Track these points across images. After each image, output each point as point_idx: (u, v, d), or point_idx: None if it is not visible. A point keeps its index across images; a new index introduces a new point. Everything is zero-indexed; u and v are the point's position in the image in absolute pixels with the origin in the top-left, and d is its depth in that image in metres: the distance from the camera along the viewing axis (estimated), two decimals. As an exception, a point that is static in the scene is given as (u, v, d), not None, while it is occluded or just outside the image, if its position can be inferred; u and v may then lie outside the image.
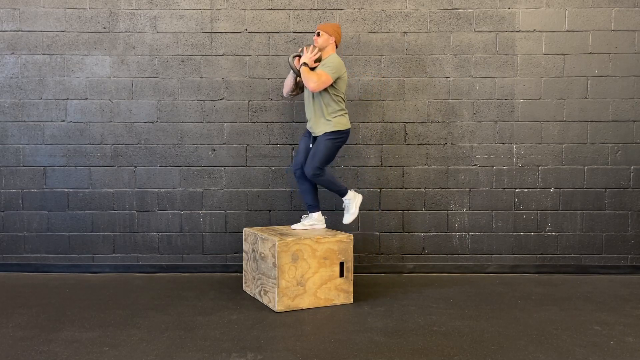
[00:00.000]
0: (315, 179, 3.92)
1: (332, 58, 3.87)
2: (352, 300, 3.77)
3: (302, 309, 3.62)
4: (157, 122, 4.57)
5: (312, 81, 3.75)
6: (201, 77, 4.56)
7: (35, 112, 4.55)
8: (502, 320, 3.38)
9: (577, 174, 4.60)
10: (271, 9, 4.54)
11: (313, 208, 4.05)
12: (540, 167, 4.60)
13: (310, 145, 4.02)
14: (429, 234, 4.62)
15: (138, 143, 4.57)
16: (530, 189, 4.61)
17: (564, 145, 4.60)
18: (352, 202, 4.04)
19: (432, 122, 4.58)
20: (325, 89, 3.85)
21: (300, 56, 3.98)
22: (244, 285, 4.10)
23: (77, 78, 4.55)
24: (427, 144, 4.59)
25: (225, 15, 4.53)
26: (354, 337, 3.06)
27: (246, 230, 4.04)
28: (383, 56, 4.55)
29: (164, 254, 4.61)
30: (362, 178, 4.59)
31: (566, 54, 4.56)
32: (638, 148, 4.60)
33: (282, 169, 4.59)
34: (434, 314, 3.51)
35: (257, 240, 3.85)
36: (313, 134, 4.01)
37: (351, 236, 3.77)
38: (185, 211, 4.60)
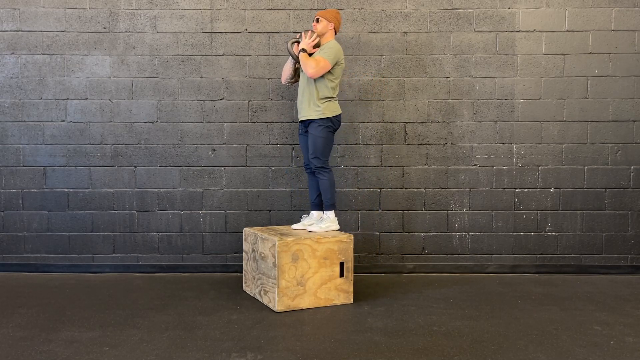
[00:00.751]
0: (320, 173, 3.86)
1: (330, 44, 3.86)
2: (352, 300, 3.77)
3: (302, 309, 3.62)
4: (157, 122, 4.57)
5: (311, 67, 3.73)
6: (201, 77, 4.56)
7: (35, 112, 4.55)
8: (502, 320, 3.38)
9: (577, 174, 4.60)
10: (271, 9, 4.54)
11: (316, 207, 4.03)
12: (540, 167, 4.60)
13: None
14: (429, 234, 4.62)
15: (138, 143, 4.57)
16: (530, 189, 4.61)
17: (564, 145, 4.60)
18: (328, 223, 3.89)
19: (432, 122, 4.58)
20: (321, 75, 3.82)
21: (298, 42, 3.94)
22: (244, 285, 4.10)
23: (77, 78, 4.55)
24: (427, 144, 4.59)
25: (225, 15, 4.53)
26: (354, 337, 3.06)
27: (246, 230, 4.04)
28: (383, 56, 4.55)
29: (164, 254, 4.61)
30: (362, 178, 4.59)
31: (566, 54, 4.56)
32: (638, 148, 4.60)
33: (282, 169, 4.59)
34: (434, 314, 3.51)
35: (257, 240, 3.85)
36: (301, 118, 3.94)
37: (351, 236, 3.77)
38: (185, 211, 4.60)
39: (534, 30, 4.55)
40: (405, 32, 4.55)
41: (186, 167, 4.59)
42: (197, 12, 4.53)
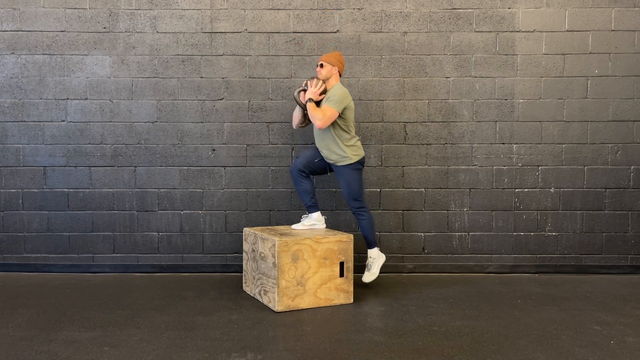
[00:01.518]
0: (360, 214, 3.98)
1: (335, 90, 3.88)
2: (352, 300, 3.77)
3: (302, 309, 3.62)
4: (157, 122, 4.57)
5: (318, 119, 3.78)
6: (201, 77, 4.56)
7: (35, 112, 4.55)
8: (502, 320, 3.38)
9: (577, 174, 4.60)
10: (271, 9, 4.54)
11: (312, 209, 4.05)
12: (540, 167, 4.60)
13: (316, 160, 4.04)
14: (429, 234, 4.62)
15: (138, 143, 4.57)
16: (530, 189, 4.61)
17: (564, 145, 4.60)
18: (375, 262, 4.08)
19: (432, 122, 4.58)
20: (334, 121, 3.86)
21: (305, 90, 3.98)
22: (244, 285, 4.10)
23: (77, 78, 4.55)
24: (427, 144, 4.59)
25: (225, 15, 4.53)
26: (354, 337, 3.06)
27: (246, 230, 4.04)
28: (383, 56, 4.55)
29: (164, 254, 4.61)
30: (362, 178, 4.59)
31: (566, 54, 4.56)
32: (638, 148, 4.60)
33: (282, 169, 4.59)
34: (434, 314, 3.51)
35: (257, 240, 3.85)
36: (328, 161, 4.01)
37: (351, 236, 3.77)
38: (185, 211, 4.60)
39: (534, 30, 4.55)
40: (405, 32, 4.55)
41: (186, 167, 4.59)
42: (197, 12, 4.53)
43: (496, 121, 4.59)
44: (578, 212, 4.61)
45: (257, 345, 2.94)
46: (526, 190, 4.61)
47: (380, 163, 4.59)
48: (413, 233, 4.62)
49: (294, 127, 4.21)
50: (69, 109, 4.56)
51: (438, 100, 4.58)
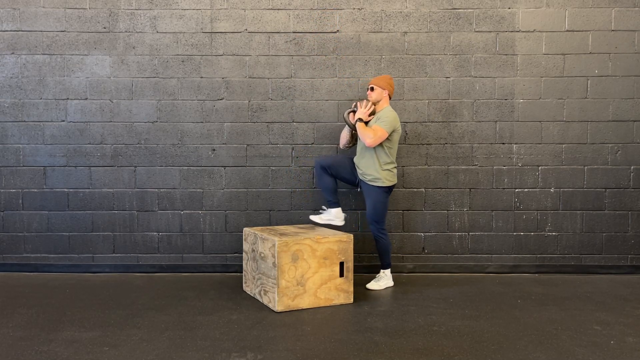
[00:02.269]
0: (378, 234, 4.08)
1: (386, 112, 4.00)
2: (352, 300, 3.77)
3: (302, 309, 3.62)
4: (157, 122, 4.57)
5: (369, 137, 3.90)
6: (201, 77, 4.55)
7: (35, 112, 4.55)
8: (502, 320, 3.38)
9: (577, 174, 4.60)
10: (271, 9, 4.53)
11: (333, 204, 4.15)
12: (540, 167, 4.60)
13: (344, 173, 4.15)
14: (429, 234, 4.62)
15: (138, 143, 4.57)
16: (530, 189, 4.61)
17: (564, 145, 4.59)
18: (384, 280, 4.18)
19: (432, 122, 4.58)
20: (380, 142, 3.96)
21: (354, 111, 4.13)
22: (244, 285, 4.10)
23: (77, 78, 4.55)
24: (427, 144, 4.59)
25: (225, 15, 4.53)
26: (354, 337, 3.06)
27: (246, 230, 4.04)
28: (383, 56, 4.55)
29: (164, 254, 4.61)
30: (362, 178, 4.59)
31: (566, 54, 4.56)
32: (638, 148, 4.60)
33: (282, 169, 4.59)
34: (434, 314, 3.51)
35: (257, 240, 3.85)
36: (360, 177, 4.10)
37: (351, 236, 3.77)
38: (185, 211, 4.60)
39: (534, 30, 4.55)
40: (405, 32, 4.55)
41: (186, 167, 4.59)
42: (197, 12, 4.53)
43: (496, 121, 4.59)
44: (578, 212, 4.61)
45: (257, 345, 2.94)
46: (526, 190, 4.61)
47: (380, 163, 4.58)
48: (413, 233, 4.62)
49: (341, 147, 4.34)
50: (69, 109, 4.56)
51: (438, 100, 4.58)
